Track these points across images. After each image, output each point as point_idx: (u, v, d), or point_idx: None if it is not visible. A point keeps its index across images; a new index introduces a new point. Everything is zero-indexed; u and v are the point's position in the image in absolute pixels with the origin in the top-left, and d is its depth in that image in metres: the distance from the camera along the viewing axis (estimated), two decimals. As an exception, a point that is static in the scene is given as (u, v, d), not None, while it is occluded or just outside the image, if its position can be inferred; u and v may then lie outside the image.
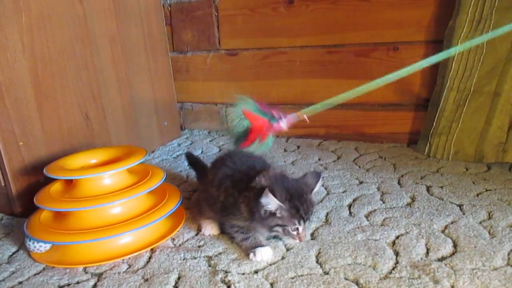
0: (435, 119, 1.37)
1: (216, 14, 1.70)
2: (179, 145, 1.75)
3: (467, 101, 1.30)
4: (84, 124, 1.36)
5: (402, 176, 1.26)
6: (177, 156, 1.61)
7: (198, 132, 1.89)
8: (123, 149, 1.10)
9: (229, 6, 1.67)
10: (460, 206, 1.05)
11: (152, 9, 1.67)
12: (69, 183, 1.02)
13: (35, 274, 0.90)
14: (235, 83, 1.75)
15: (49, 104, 1.24)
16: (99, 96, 1.41)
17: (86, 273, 0.90)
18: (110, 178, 0.99)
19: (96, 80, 1.40)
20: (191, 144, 1.75)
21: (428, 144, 1.40)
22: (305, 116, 0.93)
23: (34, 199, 0.98)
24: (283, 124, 0.92)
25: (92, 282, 0.86)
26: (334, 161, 1.43)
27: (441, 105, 1.35)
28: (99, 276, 0.88)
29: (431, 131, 1.38)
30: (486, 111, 1.28)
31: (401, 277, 0.79)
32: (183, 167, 1.48)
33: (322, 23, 1.55)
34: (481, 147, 1.29)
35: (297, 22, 1.59)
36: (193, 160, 1.31)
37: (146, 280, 0.86)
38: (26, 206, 1.15)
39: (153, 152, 1.67)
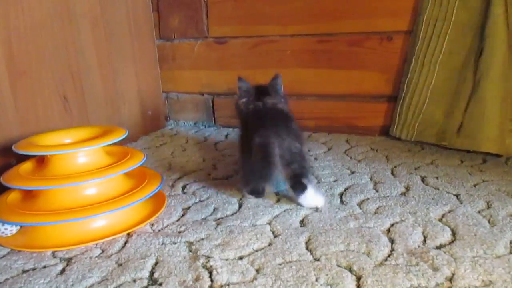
0: (403, 94, 1.36)
1: (205, 0, 1.64)
2: (162, 135, 1.68)
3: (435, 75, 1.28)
4: (62, 106, 1.28)
5: (395, 167, 1.20)
6: (160, 145, 1.54)
7: (184, 123, 1.82)
8: (100, 129, 1.02)
9: (219, -8, 1.62)
10: (457, 195, 1.00)
11: (139, -7, 1.61)
12: (41, 162, 0.94)
13: (-3, 258, 0.82)
14: (224, 72, 1.69)
15: (23, 82, 1.16)
16: (78, 78, 1.34)
17: (55, 257, 0.82)
18: (85, 157, 0.91)
19: (75, 61, 1.32)
20: (175, 134, 1.68)
21: (395, 125, 1.38)
22: None
23: (1, 178, 0.90)
24: None
25: (60, 267, 0.79)
26: (325, 152, 1.37)
27: (407, 79, 1.33)
28: (69, 260, 0.80)
29: (398, 110, 1.37)
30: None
31: (397, 264, 0.73)
32: (167, 156, 1.41)
33: (314, 11, 1.50)
34: (443, 128, 1.27)
35: (289, 9, 1.53)
36: None
37: (120, 265, 0.78)
38: (-5, 189, 1.07)
39: (135, 141, 1.59)
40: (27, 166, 0.95)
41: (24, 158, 0.97)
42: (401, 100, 1.37)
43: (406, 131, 1.36)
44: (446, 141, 1.26)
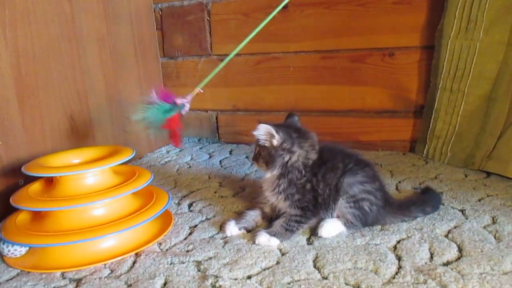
0: (431, 121, 1.35)
1: (208, 18, 1.67)
2: (167, 152, 1.69)
3: (463, 103, 1.27)
4: (68, 126, 1.29)
5: (400, 182, 1.21)
6: (166, 162, 1.55)
7: (188, 139, 1.83)
8: (108, 149, 1.04)
9: (222, 11, 1.64)
10: (462, 211, 1.00)
11: (143, 13, 1.64)
12: (49, 183, 0.95)
13: (7, 280, 0.83)
14: (227, 89, 1.71)
15: (31, 102, 1.18)
16: (85, 97, 1.35)
17: (64, 278, 0.83)
18: (93, 177, 0.92)
19: (82, 81, 1.34)
20: (180, 151, 1.69)
21: (425, 147, 1.37)
22: (199, 90, 1.03)
23: (11, 199, 0.91)
24: (187, 107, 0.98)
25: (70, 288, 0.79)
26: (329, 167, 1.38)
27: (435, 106, 1.32)
28: (78, 281, 0.81)
29: (428, 133, 1.36)
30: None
31: (405, 282, 0.74)
32: (172, 173, 1.42)
33: (317, 28, 1.52)
34: (473, 153, 1.26)
35: (291, 27, 1.56)
36: None
37: (130, 285, 0.79)
38: (3, 210, 1.07)
39: (140, 158, 1.61)
40: (36, 186, 0.96)
41: (32, 178, 0.98)
42: (430, 125, 1.37)
43: (438, 155, 1.35)
44: (475, 166, 1.25)
